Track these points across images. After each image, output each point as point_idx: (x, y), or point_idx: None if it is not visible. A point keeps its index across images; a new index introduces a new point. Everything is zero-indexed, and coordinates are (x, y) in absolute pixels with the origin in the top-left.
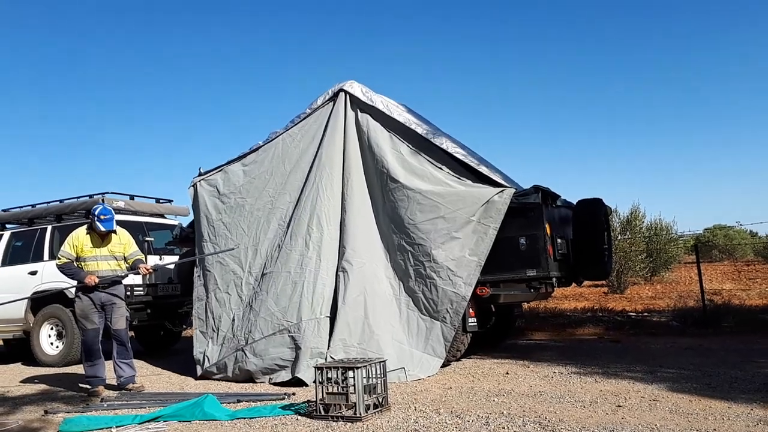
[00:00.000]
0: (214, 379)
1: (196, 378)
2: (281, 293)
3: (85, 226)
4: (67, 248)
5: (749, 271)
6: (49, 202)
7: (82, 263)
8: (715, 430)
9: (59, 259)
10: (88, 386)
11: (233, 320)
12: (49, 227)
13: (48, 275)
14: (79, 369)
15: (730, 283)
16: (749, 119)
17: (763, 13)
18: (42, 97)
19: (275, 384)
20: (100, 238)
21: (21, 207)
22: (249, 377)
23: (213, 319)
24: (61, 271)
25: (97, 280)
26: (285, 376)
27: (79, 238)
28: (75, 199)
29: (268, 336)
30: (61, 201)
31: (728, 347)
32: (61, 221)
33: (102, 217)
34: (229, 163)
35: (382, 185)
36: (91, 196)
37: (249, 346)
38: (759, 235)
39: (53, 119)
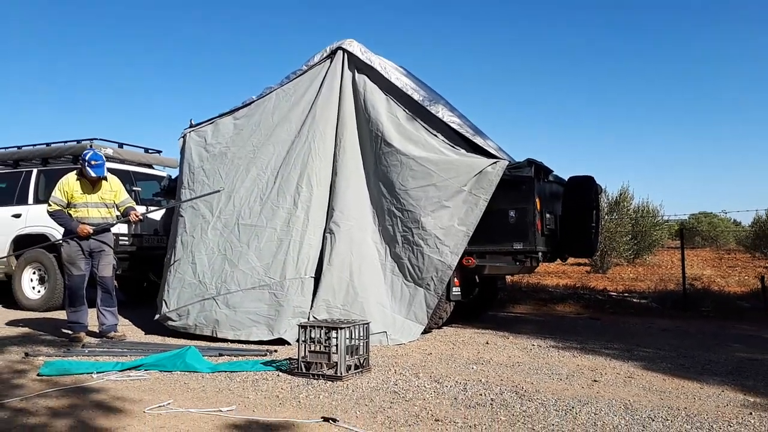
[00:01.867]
0: (171, 326)
1: (153, 320)
2: (265, 249)
3: (75, 172)
4: (58, 194)
5: (730, 259)
6: (35, 145)
7: (72, 209)
8: (686, 408)
9: (50, 205)
10: (69, 331)
11: (195, 264)
12: (35, 170)
13: (32, 218)
14: (60, 314)
15: (711, 269)
16: (745, 112)
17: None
18: (31, 36)
19: (245, 342)
20: (91, 185)
21: (6, 148)
22: (213, 330)
23: (174, 261)
24: (52, 218)
25: (90, 231)
26: (257, 333)
27: (69, 184)
28: (62, 143)
29: (246, 290)
30: (47, 144)
31: (705, 331)
32: (47, 165)
33: (93, 162)
34: (221, 116)
35: (375, 148)
36: (78, 141)
37: (222, 297)
38: (742, 225)
39: (41, 59)
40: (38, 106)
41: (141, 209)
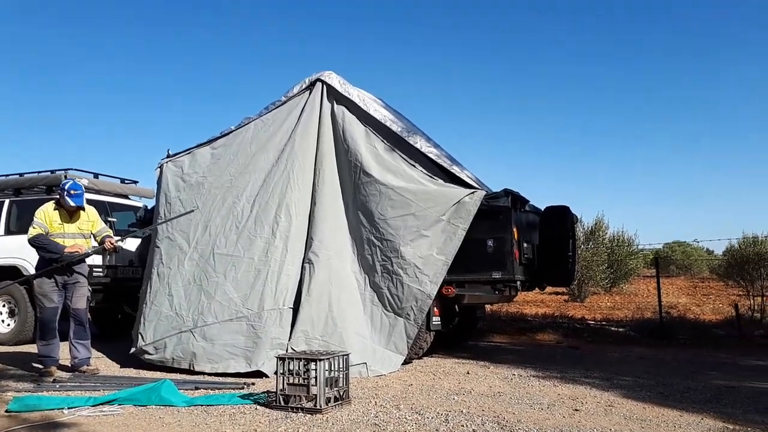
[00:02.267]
0: (148, 359)
1: (129, 354)
2: (242, 279)
3: (52, 202)
4: (40, 219)
5: (704, 287)
6: (8, 175)
7: (54, 238)
8: None
9: (33, 229)
10: (40, 366)
11: (171, 296)
12: (7, 201)
13: (3, 250)
14: (31, 348)
15: (686, 297)
16: (718, 142)
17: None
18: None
19: (222, 374)
20: (69, 215)
21: None
22: (190, 363)
23: (150, 293)
24: (35, 243)
25: (85, 249)
26: (235, 365)
27: (48, 213)
28: (36, 173)
29: (224, 321)
30: (20, 174)
31: (681, 359)
32: (19, 195)
33: (72, 192)
34: (198, 146)
35: (354, 179)
36: (53, 171)
37: (199, 329)
38: (715, 253)
39: (14, 89)
40: (9, 134)
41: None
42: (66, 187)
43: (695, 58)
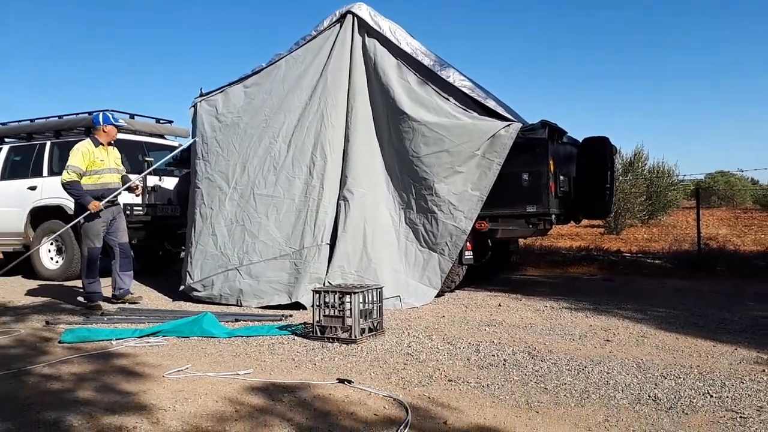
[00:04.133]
0: (196, 296)
1: (177, 292)
2: (284, 220)
3: (89, 140)
4: (78, 162)
5: (746, 218)
6: (47, 118)
7: (95, 176)
8: (698, 366)
9: (69, 174)
10: (86, 301)
11: (215, 236)
12: (48, 143)
13: (47, 191)
14: (78, 284)
15: (726, 228)
16: (762, 69)
17: None
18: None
19: (267, 307)
20: (105, 151)
21: (19, 121)
22: (238, 299)
23: (195, 233)
24: (68, 189)
25: (101, 207)
26: (278, 299)
27: (90, 151)
28: (74, 116)
29: (268, 260)
30: (60, 117)
31: (719, 290)
32: (60, 137)
33: (110, 118)
34: (230, 84)
35: (387, 115)
36: (90, 113)
37: (245, 267)
38: (759, 183)
39: (57, 30)
40: (49, 81)
41: (154, 179)
42: (101, 118)
43: None
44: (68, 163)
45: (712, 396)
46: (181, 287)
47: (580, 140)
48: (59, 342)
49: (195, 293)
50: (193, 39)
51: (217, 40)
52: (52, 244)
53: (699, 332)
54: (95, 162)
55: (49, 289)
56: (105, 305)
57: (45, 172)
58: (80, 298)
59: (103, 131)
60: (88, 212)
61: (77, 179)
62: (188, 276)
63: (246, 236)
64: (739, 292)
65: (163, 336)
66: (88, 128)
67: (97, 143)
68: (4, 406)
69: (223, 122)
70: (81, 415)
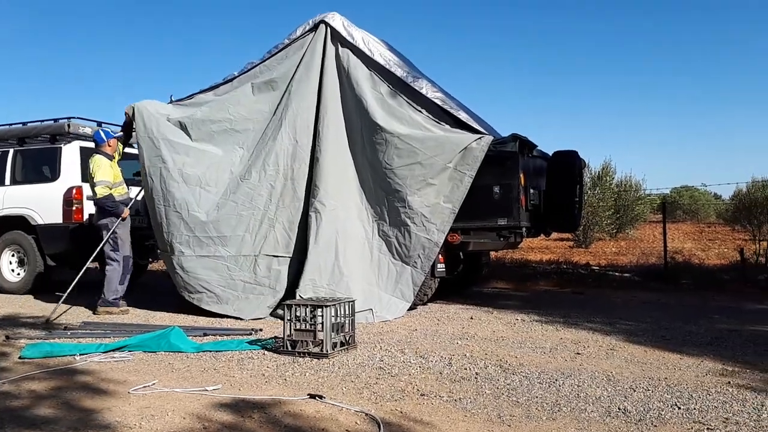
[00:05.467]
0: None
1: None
2: (223, 221)
3: (100, 156)
4: (107, 176)
5: (710, 232)
6: (11, 124)
7: (119, 188)
8: (666, 378)
9: (102, 189)
10: (109, 307)
11: (197, 237)
12: (11, 150)
13: (9, 200)
14: (41, 297)
15: (692, 242)
16: (728, 86)
17: None
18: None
19: (226, 327)
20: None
21: None
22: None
23: (166, 234)
24: (104, 203)
25: (127, 214)
26: (210, 302)
27: (110, 165)
28: (39, 123)
29: (200, 256)
30: (24, 124)
31: (685, 303)
32: (23, 144)
33: (107, 132)
34: (202, 92)
35: (360, 126)
36: (56, 120)
37: (176, 257)
38: (722, 198)
39: (21, 37)
40: (13, 86)
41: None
42: (103, 136)
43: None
44: (96, 179)
45: (680, 408)
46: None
47: (550, 154)
48: (20, 357)
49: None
50: (164, 47)
51: (188, 50)
52: (13, 255)
53: (666, 345)
54: (117, 176)
55: (9, 301)
56: (67, 320)
57: (7, 180)
58: (103, 308)
59: (108, 145)
60: (119, 220)
61: (110, 192)
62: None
63: (182, 225)
64: (704, 305)
65: (129, 351)
66: (54, 136)
67: (109, 157)
68: None
69: (192, 127)
70: None
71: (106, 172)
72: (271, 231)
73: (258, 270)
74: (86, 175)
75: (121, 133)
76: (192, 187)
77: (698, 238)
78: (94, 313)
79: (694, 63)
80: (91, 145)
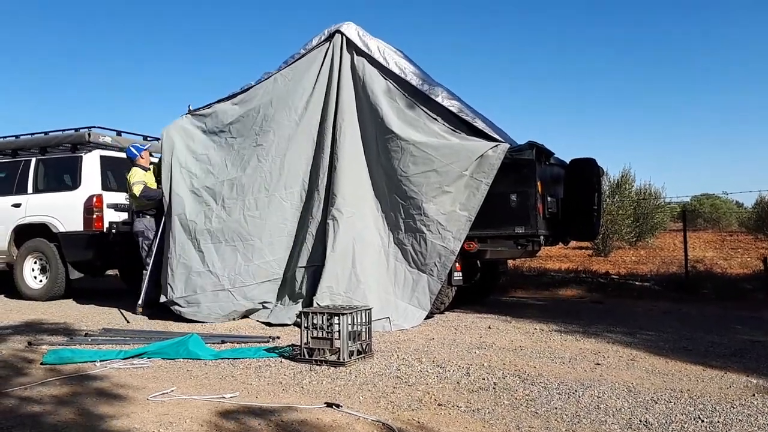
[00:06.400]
0: (178, 311)
1: (158, 303)
2: (277, 244)
3: (137, 168)
4: (140, 178)
5: (732, 241)
6: (33, 134)
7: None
8: (689, 390)
9: (137, 186)
10: (148, 307)
11: (202, 252)
12: (33, 159)
13: (32, 208)
14: (63, 303)
15: (713, 251)
16: (748, 92)
17: None
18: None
19: (258, 321)
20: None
21: (4, 137)
22: (231, 319)
23: (174, 244)
24: (145, 195)
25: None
26: (264, 314)
27: (145, 174)
28: (60, 132)
29: (262, 282)
30: (45, 133)
31: (707, 313)
32: (45, 154)
33: (140, 147)
34: (219, 101)
35: (376, 134)
36: (77, 130)
37: (238, 290)
38: (744, 206)
39: (42, 47)
40: (34, 97)
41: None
42: (135, 151)
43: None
44: (132, 182)
45: (703, 421)
46: (163, 299)
47: (568, 161)
48: (41, 363)
49: (177, 308)
50: (180, 56)
51: (204, 58)
52: (35, 262)
53: (688, 356)
54: (151, 183)
55: (32, 308)
56: (88, 327)
57: (30, 189)
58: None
59: (141, 158)
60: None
61: (144, 184)
62: (170, 289)
63: (239, 258)
64: (727, 316)
65: (148, 358)
66: (75, 145)
67: (145, 169)
68: None
69: (211, 138)
70: None
71: (140, 176)
72: (304, 243)
73: (311, 280)
74: (106, 184)
75: (150, 144)
76: (235, 217)
77: (720, 246)
78: (134, 313)
79: (715, 70)
80: (112, 153)
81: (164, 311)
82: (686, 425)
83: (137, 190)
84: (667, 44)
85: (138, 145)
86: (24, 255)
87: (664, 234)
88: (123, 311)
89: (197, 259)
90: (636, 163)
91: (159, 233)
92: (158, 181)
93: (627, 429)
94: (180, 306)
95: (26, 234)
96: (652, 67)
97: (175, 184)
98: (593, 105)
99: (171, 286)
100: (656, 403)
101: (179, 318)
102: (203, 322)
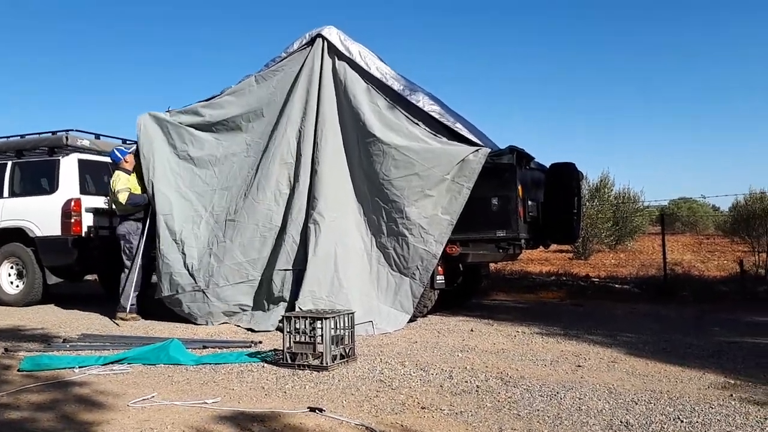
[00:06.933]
0: (168, 306)
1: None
2: (249, 245)
3: (120, 172)
4: (124, 184)
5: (709, 244)
6: (9, 137)
7: None
8: (668, 391)
9: (122, 194)
10: (131, 313)
11: (185, 255)
12: (9, 163)
13: (8, 212)
14: (40, 309)
15: (691, 254)
16: (725, 97)
17: None
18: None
19: (239, 326)
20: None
21: None
22: (207, 320)
23: (160, 243)
24: (131, 202)
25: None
26: (246, 319)
27: (128, 179)
28: (37, 135)
29: (235, 284)
30: (22, 136)
31: (685, 315)
32: (21, 157)
33: (123, 151)
34: (199, 102)
35: (357, 138)
36: (54, 133)
37: (211, 290)
38: (721, 210)
39: (18, 49)
40: (10, 99)
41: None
42: (119, 155)
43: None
44: (117, 188)
45: (682, 421)
46: (156, 296)
47: (548, 166)
48: (18, 370)
49: (167, 304)
50: (156, 57)
51: (181, 61)
52: (12, 267)
53: (668, 357)
54: (135, 188)
55: (8, 314)
56: (66, 332)
57: (5, 192)
58: (123, 316)
59: (125, 161)
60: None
61: (129, 192)
62: (159, 287)
63: (212, 260)
64: (704, 318)
65: (128, 363)
66: (52, 148)
67: (128, 173)
68: None
69: (192, 138)
70: None
71: (125, 182)
72: (283, 246)
73: (291, 284)
74: (84, 188)
75: (134, 147)
76: (220, 222)
77: (697, 249)
78: (111, 319)
79: (692, 72)
80: (90, 157)
81: (145, 315)
82: (666, 426)
83: (123, 198)
84: (642, 46)
85: (122, 148)
86: (0, 260)
87: (643, 237)
88: (114, 320)
89: (180, 261)
90: (614, 168)
91: (144, 236)
92: (141, 180)
93: (608, 430)
94: (168, 304)
95: (2, 238)
96: (630, 71)
97: (158, 181)
98: (573, 109)
99: (160, 285)
100: (636, 404)
101: (160, 322)
102: (190, 323)
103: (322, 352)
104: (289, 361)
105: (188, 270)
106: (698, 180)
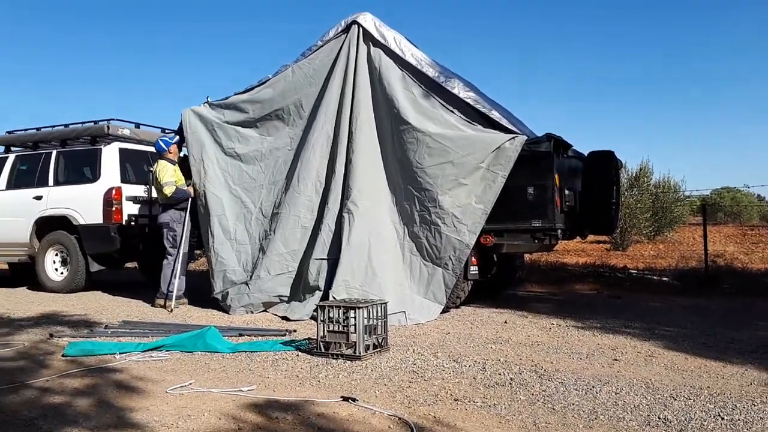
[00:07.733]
0: (221, 305)
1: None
2: (290, 236)
3: (165, 161)
4: (171, 176)
5: (753, 235)
6: (53, 126)
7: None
8: (708, 387)
9: (169, 188)
10: (177, 301)
11: (239, 252)
12: (54, 152)
13: (53, 200)
14: (83, 296)
15: (734, 245)
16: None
17: None
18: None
19: (276, 315)
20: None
21: (25, 130)
22: (248, 312)
23: (213, 242)
24: (175, 197)
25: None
26: (282, 308)
27: (174, 169)
28: (80, 125)
29: (276, 275)
30: (66, 126)
31: (727, 309)
32: (65, 146)
33: (168, 140)
34: (236, 94)
35: (392, 126)
36: (96, 122)
37: (253, 282)
38: (766, 199)
39: (60, 42)
40: (53, 89)
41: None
42: (164, 146)
43: None
44: (163, 181)
45: (723, 418)
46: (212, 295)
47: (586, 154)
48: (62, 355)
49: (220, 303)
50: (199, 48)
51: (222, 50)
52: (57, 254)
53: (708, 352)
54: (180, 179)
55: (53, 300)
56: (108, 319)
57: (51, 181)
58: (162, 301)
59: (170, 152)
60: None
61: (175, 186)
62: (213, 285)
63: (259, 253)
64: (747, 311)
65: (167, 350)
66: (94, 137)
67: (173, 163)
68: (4, 420)
69: (234, 131)
70: (82, 431)
71: (171, 174)
72: (320, 235)
73: (326, 274)
74: (125, 176)
75: (178, 137)
76: (268, 216)
77: (741, 241)
78: (152, 306)
79: (734, 62)
80: (131, 146)
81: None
82: (706, 423)
83: (169, 191)
84: (687, 37)
85: (167, 138)
86: (45, 247)
87: (684, 228)
88: (164, 307)
89: (234, 258)
90: (655, 156)
91: (187, 226)
92: (186, 175)
93: (645, 426)
94: (220, 302)
95: (48, 226)
96: (672, 59)
97: (210, 183)
98: (612, 97)
99: (213, 283)
100: (675, 400)
101: (197, 309)
102: (230, 315)
103: (355, 342)
104: (323, 350)
105: (243, 267)
106: (742, 169)
